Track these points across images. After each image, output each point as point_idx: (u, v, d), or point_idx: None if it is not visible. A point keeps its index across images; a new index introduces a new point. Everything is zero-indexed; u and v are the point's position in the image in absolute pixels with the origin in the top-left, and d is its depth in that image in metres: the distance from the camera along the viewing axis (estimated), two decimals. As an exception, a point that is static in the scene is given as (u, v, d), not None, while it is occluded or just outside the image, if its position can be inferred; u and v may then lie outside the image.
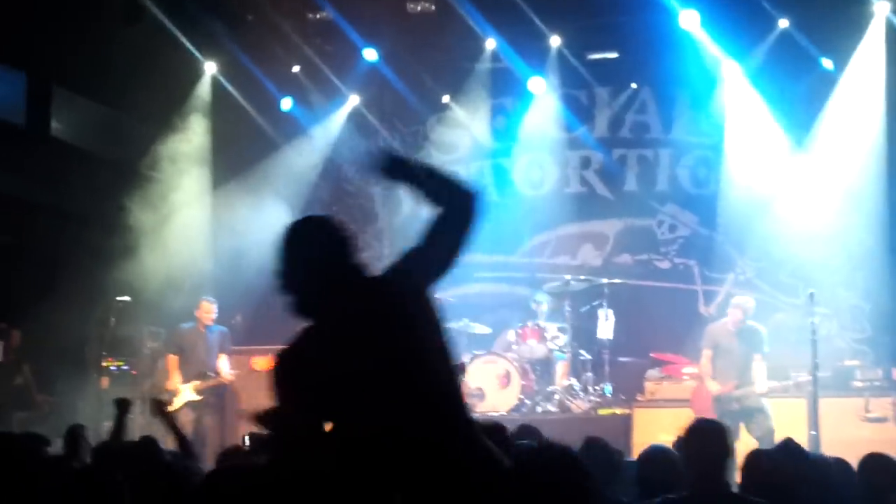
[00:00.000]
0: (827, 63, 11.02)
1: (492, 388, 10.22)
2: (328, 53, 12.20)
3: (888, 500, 4.39)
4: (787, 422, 8.45)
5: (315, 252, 3.05)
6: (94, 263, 10.59)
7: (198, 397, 9.70)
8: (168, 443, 6.07)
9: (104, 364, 10.51)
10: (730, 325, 9.06)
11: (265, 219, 10.86)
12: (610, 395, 10.59)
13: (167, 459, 5.23)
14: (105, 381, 10.40)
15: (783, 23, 10.91)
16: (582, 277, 11.05)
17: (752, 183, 11.25)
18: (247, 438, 5.19)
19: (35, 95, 10.41)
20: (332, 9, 11.55)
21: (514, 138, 12.55)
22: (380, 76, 12.26)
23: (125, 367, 10.82)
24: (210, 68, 12.13)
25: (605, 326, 10.74)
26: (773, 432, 8.32)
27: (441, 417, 2.94)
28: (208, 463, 6.03)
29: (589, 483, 2.85)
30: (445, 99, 12.56)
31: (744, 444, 7.94)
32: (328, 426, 2.96)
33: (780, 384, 8.95)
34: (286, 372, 2.98)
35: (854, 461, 4.73)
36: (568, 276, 11.00)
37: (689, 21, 10.95)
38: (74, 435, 6.15)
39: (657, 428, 8.36)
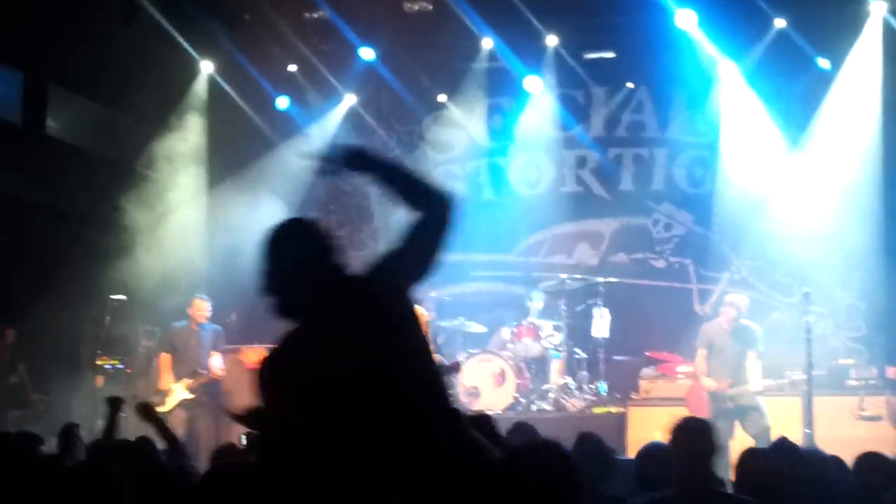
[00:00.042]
0: (823, 63, 11.03)
1: (487, 386, 10.21)
2: (325, 53, 12.20)
3: (883, 499, 4.40)
4: (782, 420, 8.45)
5: (298, 253, 3.08)
6: (89, 262, 10.59)
7: (190, 396, 9.65)
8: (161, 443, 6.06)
9: (99, 363, 10.48)
10: (724, 324, 9.05)
11: (261, 218, 10.81)
12: (605, 394, 10.60)
13: (162, 460, 5.24)
14: (100, 380, 10.37)
15: (780, 22, 10.90)
16: (578, 276, 11.04)
17: (748, 182, 11.27)
18: (243, 438, 5.20)
19: (31, 94, 10.40)
20: (329, 8, 11.53)
21: (511, 137, 12.56)
22: (376, 75, 12.26)
23: (120, 366, 10.80)
24: (206, 67, 12.12)
25: (601, 325, 10.74)
26: (769, 430, 8.31)
27: (427, 415, 2.96)
28: (202, 462, 6.03)
29: (580, 479, 2.86)
30: (442, 98, 12.56)
31: (739, 443, 7.98)
32: (315, 427, 2.97)
33: (775, 382, 8.95)
34: (272, 373, 3.00)
35: (849, 459, 4.74)
36: (564, 275, 10.99)
37: (686, 21, 10.95)
38: (69, 434, 6.15)
39: (652, 426, 8.34)
